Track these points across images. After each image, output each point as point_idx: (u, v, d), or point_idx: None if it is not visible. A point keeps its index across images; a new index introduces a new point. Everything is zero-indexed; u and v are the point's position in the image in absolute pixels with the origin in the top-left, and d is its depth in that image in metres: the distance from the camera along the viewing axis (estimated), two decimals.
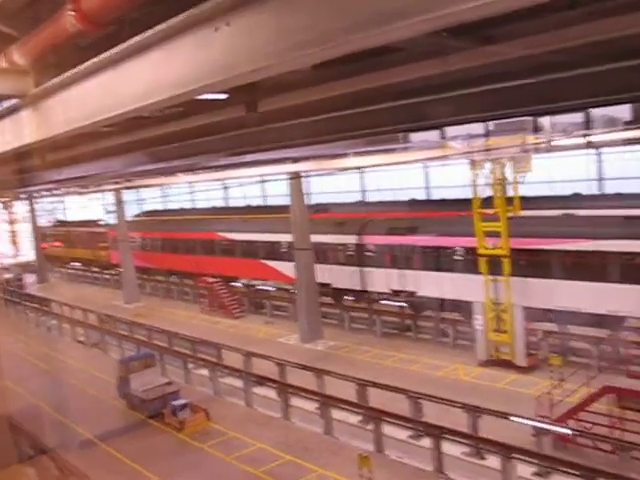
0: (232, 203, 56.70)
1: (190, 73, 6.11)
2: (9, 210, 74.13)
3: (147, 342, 32.40)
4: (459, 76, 8.98)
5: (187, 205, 62.19)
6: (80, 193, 47.58)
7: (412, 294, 31.16)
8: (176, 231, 48.77)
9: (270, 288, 42.61)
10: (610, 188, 32.23)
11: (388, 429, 19.74)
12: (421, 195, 41.67)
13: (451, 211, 31.16)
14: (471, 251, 27.40)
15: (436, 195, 40.82)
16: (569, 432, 17.93)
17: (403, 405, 20.37)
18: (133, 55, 6.77)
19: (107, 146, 16.34)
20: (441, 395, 20.48)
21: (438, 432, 18.03)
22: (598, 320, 24.08)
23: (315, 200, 44.81)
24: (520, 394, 22.30)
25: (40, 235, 65.39)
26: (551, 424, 17.98)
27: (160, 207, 62.54)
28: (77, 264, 65.47)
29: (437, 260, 29.95)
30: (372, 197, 44.95)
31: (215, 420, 22.75)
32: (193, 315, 41.86)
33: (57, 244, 68.18)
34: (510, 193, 25.76)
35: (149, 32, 6.32)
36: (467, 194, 26.96)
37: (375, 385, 21.87)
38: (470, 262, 27.76)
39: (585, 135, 18.15)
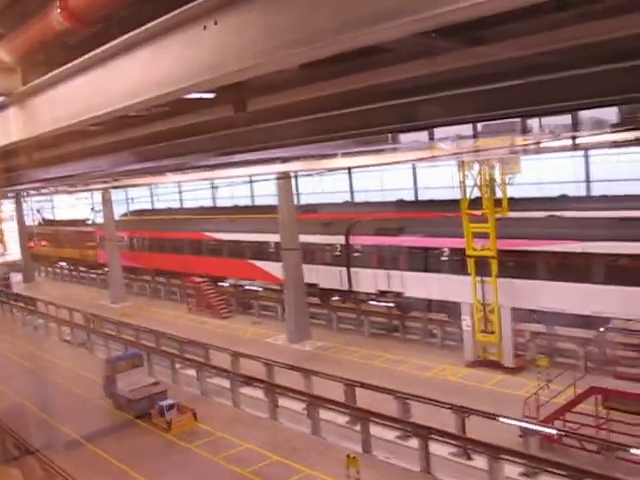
0: (220, 203, 56.56)
1: (178, 72, 6.08)
2: None
3: (134, 342, 32.27)
4: (448, 77, 9.00)
5: (175, 205, 62.03)
6: (68, 192, 47.40)
7: (399, 295, 31.20)
8: (163, 231, 48.62)
9: (258, 288, 42.54)
10: (597, 190, 32.38)
11: (376, 430, 19.74)
12: (410, 196, 41.71)
13: (439, 212, 31.20)
14: (458, 252, 27.44)
15: (425, 196, 40.86)
16: (555, 433, 18.00)
17: (391, 406, 20.38)
18: (121, 53, 6.75)
19: (95, 145, 16.26)
20: (429, 395, 20.49)
21: (425, 433, 18.06)
22: (585, 321, 24.20)
23: (303, 200, 44.82)
24: (507, 395, 22.36)
25: (27, 234, 65.00)
26: (538, 425, 18.04)
27: (148, 207, 62.30)
28: (64, 263, 65.10)
29: (424, 261, 29.99)
30: (361, 198, 44.95)
31: (202, 420, 22.68)
32: (180, 315, 41.72)
33: (44, 243, 67.82)
34: (498, 194, 25.86)
35: (137, 30, 6.30)
36: (456, 195, 27.01)
37: (363, 386, 21.87)
38: (458, 263, 27.82)
39: (573, 137, 18.22)
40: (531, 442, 17.74)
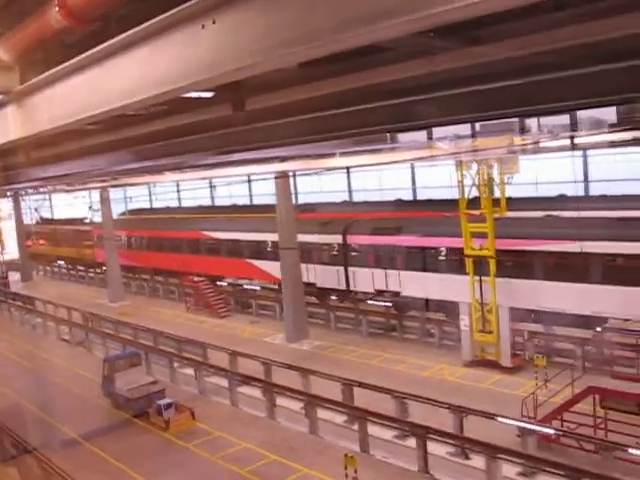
0: (218, 202, 56.56)
1: (176, 70, 6.08)
2: None
3: (132, 341, 32.26)
4: (446, 76, 8.99)
5: (173, 204, 61.99)
6: (66, 191, 47.34)
7: (396, 294, 31.22)
8: (161, 230, 48.60)
9: (256, 287, 42.55)
10: (596, 190, 32.39)
11: (374, 429, 19.75)
12: (408, 195, 41.71)
13: (436, 211, 31.22)
14: (456, 251, 27.46)
15: (423, 195, 40.86)
16: (553, 432, 18.02)
17: (389, 405, 20.39)
18: (119, 52, 6.74)
19: (93, 144, 16.24)
20: (427, 395, 20.51)
21: (423, 432, 18.07)
22: (583, 321, 24.23)
23: (302, 200, 44.81)
24: (505, 394, 22.38)
25: (25, 233, 64.94)
26: (535, 424, 18.06)
27: (146, 206, 62.28)
28: (62, 262, 65.04)
29: (422, 260, 30.01)
30: (359, 197, 44.96)
31: (200, 419, 22.68)
32: (178, 314, 41.72)
33: (42, 242, 67.75)
34: (497, 194, 25.86)
35: (135, 29, 6.29)
36: (454, 195, 27.01)
37: (361, 385, 21.88)
38: (456, 263, 27.83)
39: (571, 137, 18.23)
40: (529, 442, 17.76)
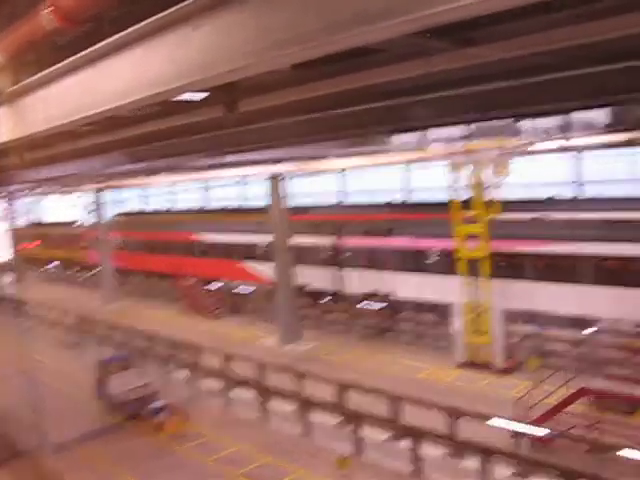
0: (212, 204, 56.46)
1: (169, 72, 6.05)
2: None
3: (125, 343, 32.15)
4: (441, 78, 9.00)
5: (166, 206, 61.81)
6: (59, 193, 47.20)
7: (387, 296, 31.21)
8: (154, 232, 48.46)
9: (249, 289, 42.43)
10: (589, 191, 32.44)
11: (367, 431, 19.73)
12: (401, 197, 41.67)
13: (429, 213, 31.20)
14: (449, 253, 27.46)
15: (417, 197, 40.84)
16: (546, 433, 18.02)
17: (383, 407, 20.37)
18: (112, 53, 6.71)
19: (86, 146, 16.21)
20: (421, 396, 20.49)
21: (417, 434, 18.05)
22: (576, 322, 24.26)
23: (295, 202, 44.71)
24: (499, 395, 22.37)
25: (18, 235, 64.66)
26: (529, 426, 18.06)
27: (139, 208, 62.11)
28: (55, 264, 64.77)
29: (415, 262, 30.00)
30: (353, 199, 44.92)
31: (194, 422, 22.61)
32: (172, 316, 41.59)
33: (35, 244, 67.47)
34: (490, 196, 25.87)
35: (128, 30, 6.27)
36: (447, 196, 27.01)
37: (354, 387, 21.86)
38: (449, 264, 27.81)
39: (564, 138, 18.28)
40: (522, 443, 17.77)
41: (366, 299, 32.95)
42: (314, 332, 33.88)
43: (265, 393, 23.02)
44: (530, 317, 26.41)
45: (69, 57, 7.35)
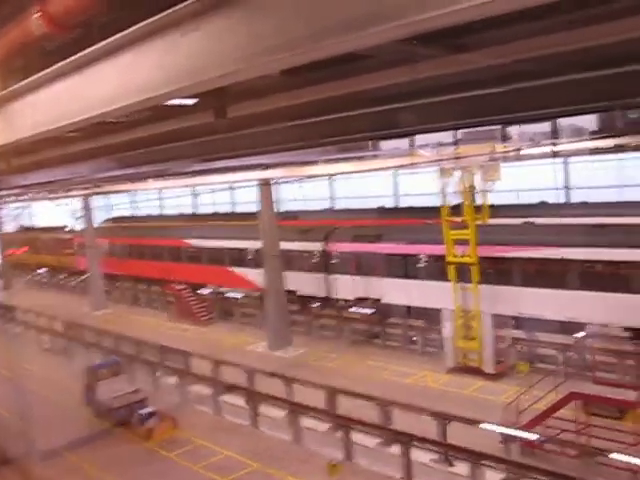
0: (201, 210, 56.37)
1: (158, 77, 6.03)
2: None
3: (114, 349, 32.02)
4: (429, 84, 9.01)
5: (155, 212, 61.68)
6: (47, 199, 46.94)
7: (376, 301, 31.23)
8: (143, 238, 48.33)
9: (239, 295, 42.36)
10: (577, 197, 32.62)
11: (357, 437, 19.71)
12: (390, 203, 41.78)
13: (419, 219, 31.28)
14: (439, 259, 27.51)
15: (406, 203, 40.93)
16: (535, 438, 18.05)
17: (372, 412, 20.35)
18: (100, 59, 6.68)
19: (75, 151, 16.14)
20: (410, 402, 20.50)
21: (407, 439, 18.05)
22: (565, 327, 24.35)
23: (284, 207, 44.73)
24: (488, 401, 22.42)
25: (5, 241, 64.38)
26: (518, 431, 18.09)
27: (128, 214, 61.94)
28: (43, 270, 64.46)
29: (404, 267, 30.04)
30: (342, 204, 44.98)
31: (183, 428, 22.54)
32: (161, 322, 41.49)
33: (23, 250, 67.15)
34: (479, 201, 25.96)
35: (117, 36, 6.24)
36: (436, 202, 27.08)
37: (344, 393, 21.83)
38: (438, 270, 27.85)
39: (553, 144, 18.36)
40: (512, 448, 17.80)
41: (356, 305, 32.95)
42: (304, 338, 33.85)
43: (255, 399, 22.96)
44: (520, 322, 26.53)
45: (58, 63, 7.31)
